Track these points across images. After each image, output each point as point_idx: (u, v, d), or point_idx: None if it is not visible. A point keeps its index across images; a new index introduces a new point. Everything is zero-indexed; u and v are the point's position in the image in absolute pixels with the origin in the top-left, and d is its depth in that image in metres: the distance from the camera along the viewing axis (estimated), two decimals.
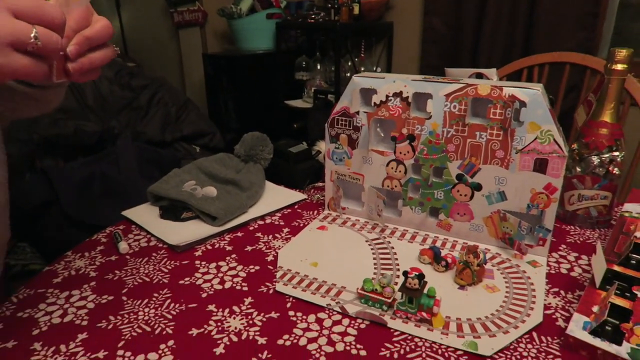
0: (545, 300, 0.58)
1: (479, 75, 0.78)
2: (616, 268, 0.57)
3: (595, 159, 0.72)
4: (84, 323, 0.55)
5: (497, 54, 1.88)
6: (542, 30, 1.75)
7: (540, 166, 0.63)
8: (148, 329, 0.54)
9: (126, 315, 0.56)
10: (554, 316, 0.55)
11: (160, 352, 0.50)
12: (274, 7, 2.45)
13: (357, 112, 0.73)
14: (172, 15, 2.88)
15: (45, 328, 0.55)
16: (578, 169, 0.74)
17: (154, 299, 0.60)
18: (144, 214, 0.82)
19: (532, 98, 0.61)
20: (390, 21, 2.30)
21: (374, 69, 2.35)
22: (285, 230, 0.78)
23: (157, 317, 0.56)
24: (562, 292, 0.59)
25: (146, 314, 0.57)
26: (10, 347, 0.52)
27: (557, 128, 0.62)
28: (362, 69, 2.30)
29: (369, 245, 0.71)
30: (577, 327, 0.49)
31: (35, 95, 0.54)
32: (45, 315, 0.57)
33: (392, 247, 0.70)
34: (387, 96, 0.70)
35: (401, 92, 0.69)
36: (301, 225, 0.79)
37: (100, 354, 0.50)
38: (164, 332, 0.53)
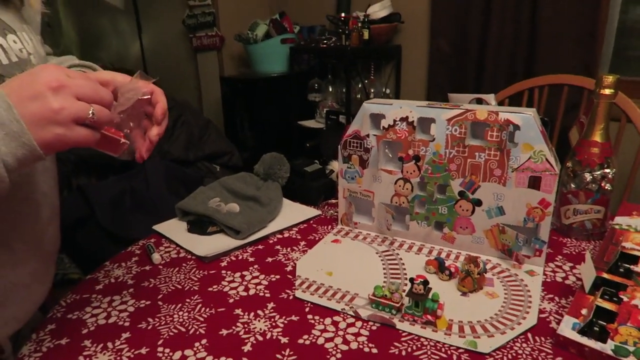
0: (540, 305, 0.63)
1: (479, 100, 0.85)
2: (605, 275, 0.62)
3: (588, 176, 0.78)
4: (126, 324, 0.62)
5: (501, 73, 1.96)
6: (543, 50, 1.81)
7: (534, 183, 0.69)
8: (183, 329, 0.61)
9: (163, 318, 0.64)
10: (547, 319, 0.60)
11: (195, 349, 0.57)
12: (287, 33, 2.57)
13: (368, 135, 0.81)
14: (190, 40, 3.01)
15: (93, 328, 0.62)
16: (572, 185, 0.80)
17: (186, 303, 0.67)
18: (173, 228, 0.90)
19: (525, 122, 0.68)
20: (399, 44, 2.39)
21: (384, 89, 2.43)
22: (302, 243, 0.85)
23: (190, 319, 0.63)
24: (556, 298, 0.65)
25: (180, 316, 0.64)
26: (64, 343, 0.59)
27: (548, 148, 0.68)
28: (372, 90, 2.38)
29: (379, 256, 0.78)
30: (567, 327, 0.55)
31: None
32: (92, 317, 0.64)
33: (401, 259, 0.77)
34: (394, 120, 0.77)
35: (407, 117, 0.76)
36: (316, 238, 0.86)
37: (143, 350, 0.57)
38: (197, 332, 0.60)
